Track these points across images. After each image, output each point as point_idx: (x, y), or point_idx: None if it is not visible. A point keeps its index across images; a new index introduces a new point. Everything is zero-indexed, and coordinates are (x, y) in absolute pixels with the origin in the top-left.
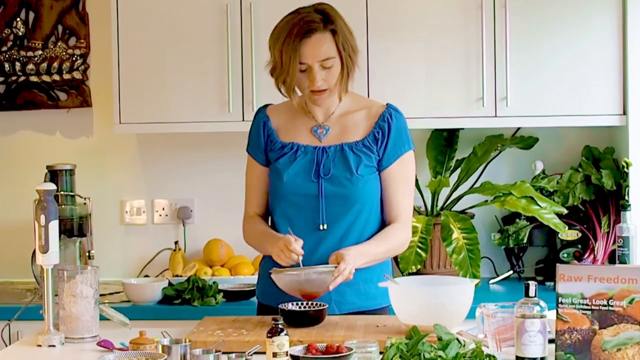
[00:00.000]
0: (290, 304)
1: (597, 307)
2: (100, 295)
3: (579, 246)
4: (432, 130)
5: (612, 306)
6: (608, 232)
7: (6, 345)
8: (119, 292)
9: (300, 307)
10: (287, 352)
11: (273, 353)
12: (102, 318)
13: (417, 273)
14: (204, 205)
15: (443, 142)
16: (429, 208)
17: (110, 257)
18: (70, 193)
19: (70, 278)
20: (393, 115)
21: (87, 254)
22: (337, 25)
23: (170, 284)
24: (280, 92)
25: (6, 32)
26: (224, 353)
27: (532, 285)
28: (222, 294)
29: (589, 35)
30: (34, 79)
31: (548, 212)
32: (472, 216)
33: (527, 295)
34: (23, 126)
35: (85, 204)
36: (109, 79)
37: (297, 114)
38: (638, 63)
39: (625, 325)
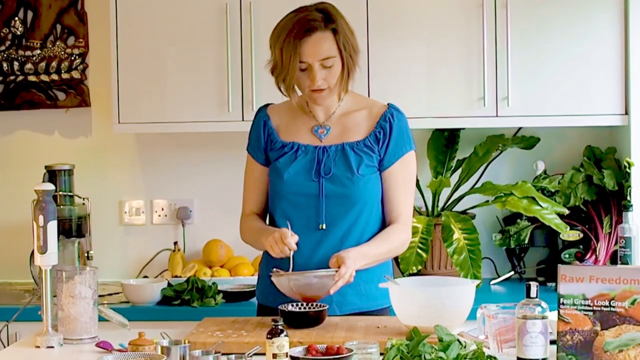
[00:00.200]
0: (290, 305)
1: (599, 308)
2: (99, 296)
3: (581, 247)
4: (432, 130)
5: (614, 307)
6: (610, 233)
7: (4, 347)
8: (117, 293)
9: (300, 308)
10: (287, 353)
11: (273, 354)
12: (101, 319)
13: (418, 274)
14: (204, 205)
15: (444, 142)
16: (430, 208)
17: (109, 257)
18: (69, 193)
19: (69, 279)
20: (394, 115)
21: (86, 254)
22: (338, 25)
23: (169, 284)
24: (280, 91)
25: (4, 31)
26: (223, 354)
27: (534, 286)
28: (221, 294)
29: (591, 35)
30: (32, 78)
31: (549, 213)
32: (473, 216)
33: (528, 296)
34: (21, 126)
35: (84, 204)
36: (107, 79)
37: (297, 114)
38: None
39: (627, 326)
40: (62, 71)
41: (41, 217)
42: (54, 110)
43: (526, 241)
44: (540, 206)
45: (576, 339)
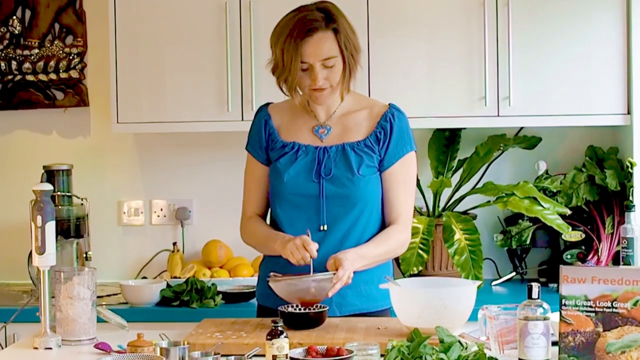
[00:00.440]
0: (290, 306)
1: (601, 309)
2: (98, 297)
3: (583, 247)
4: (433, 130)
5: (616, 308)
6: (612, 233)
7: (2, 348)
8: (116, 294)
9: (300, 310)
10: (287, 354)
11: (273, 356)
12: (100, 320)
13: (419, 274)
14: (203, 205)
15: (445, 141)
16: (431, 209)
17: (108, 258)
18: (67, 193)
19: (67, 280)
20: (395, 115)
21: (84, 255)
22: (340, 24)
23: (168, 285)
24: (282, 90)
25: (2, 30)
26: (223, 356)
27: (535, 287)
28: (221, 295)
29: (593, 34)
30: (30, 78)
31: (551, 213)
32: (475, 217)
33: (530, 297)
34: (19, 126)
35: (82, 204)
36: (106, 78)
37: (298, 113)
38: None
39: (629, 327)
40: (61, 70)
41: (39, 218)
42: (52, 110)
43: (528, 242)
44: (542, 206)
45: (578, 340)
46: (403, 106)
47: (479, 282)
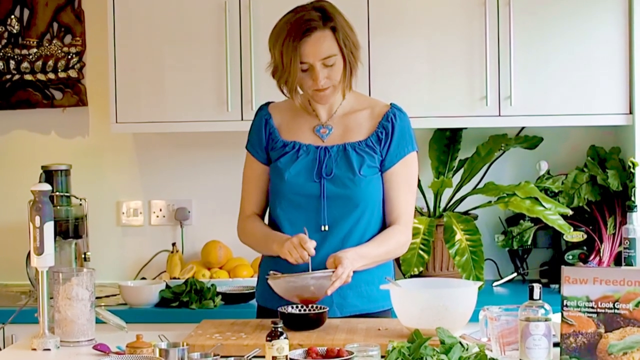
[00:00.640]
0: (290, 307)
1: (603, 310)
2: (97, 298)
3: (585, 248)
4: (434, 130)
5: (618, 309)
6: (614, 234)
7: (0, 349)
8: (115, 295)
9: (300, 310)
10: (286, 356)
11: (272, 357)
12: (98, 321)
13: (420, 275)
14: (202, 206)
15: (446, 141)
16: (432, 209)
17: (107, 259)
18: (66, 194)
19: (66, 280)
20: (397, 116)
21: (83, 255)
22: (337, 22)
23: (167, 286)
24: (283, 92)
25: (0, 29)
26: (222, 357)
27: (537, 287)
28: (220, 296)
29: (595, 33)
30: (28, 77)
31: (553, 213)
32: (476, 217)
33: (531, 297)
34: (18, 125)
35: (81, 204)
36: (105, 78)
37: (299, 113)
38: None
39: (631, 328)
40: (59, 70)
41: (38, 218)
42: (51, 109)
43: (529, 242)
44: (544, 207)
45: (580, 341)
46: (404, 106)
47: (480, 283)
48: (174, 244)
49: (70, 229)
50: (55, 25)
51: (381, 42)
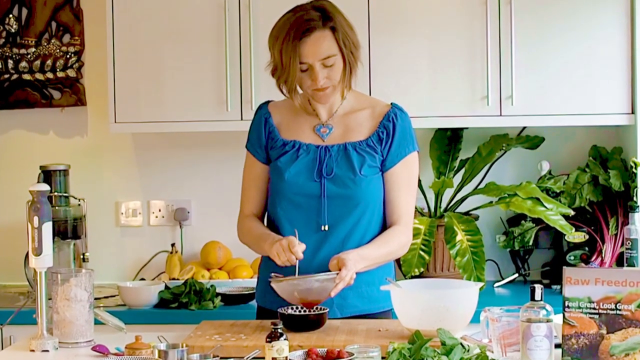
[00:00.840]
0: (290, 308)
1: (605, 311)
2: (95, 298)
3: (586, 248)
4: (435, 130)
5: (620, 310)
6: (616, 234)
7: None
8: (114, 296)
9: (300, 311)
10: (286, 357)
11: (272, 358)
12: (97, 322)
13: (420, 276)
14: (202, 206)
15: (447, 141)
16: (432, 209)
17: (105, 259)
18: (64, 194)
19: (64, 281)
20: (398, 115)
21: (82, 256)
22: (337, 22)
23: (166, 287)
24: (282, 92)
25: None
26: (222, 358)
27: (538, 288)
28: (220, 297)
29: (597, 32)
30: (27, 77)
31: (554, 214)
32: (477, 218)
33: (532, 298)
34: (16, 125)
35: (79, 205)
36: (104, 77)
37: (299, 112)
38: None
39: (633, 329)
40: (58, 69)
41: (36, 219)
42: (49, 109)
43: (530, 243)
44: (545, 207)
45: (581, 342)
46: (404, 105)
47: (481, 284)
48: (173, 245)
49: (68, 230)
50: (54, 24)
51: (382, 42)
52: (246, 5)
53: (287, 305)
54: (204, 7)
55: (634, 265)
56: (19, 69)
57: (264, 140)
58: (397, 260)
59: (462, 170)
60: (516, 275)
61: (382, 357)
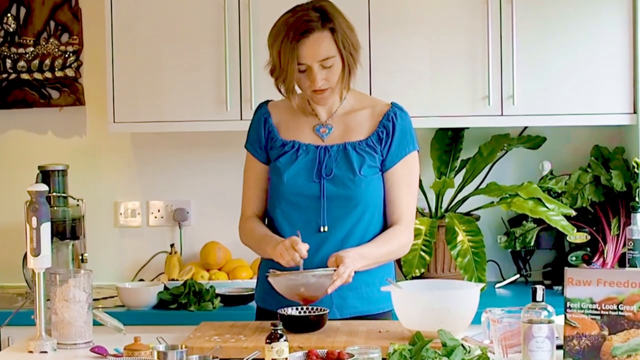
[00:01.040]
0: (289, 309)
1: (607, 312)
2: (94, 299)
3: (588, 249)
4: (436, 130)
5: (622, 311)
6: (618, 235)
7: None
8: (113, 297)
9: (300, 312)
10: (286, 358)
11: None
12: (96, 323)
13: (421, 277)
14: (201, 206)
15: (447, 141)
16: (433, 210)
17: (104, 260)
18: (63, 194)
19: (63, 282)
20: (398, 115)
21: (80, 257)
22: (336, 23)
23: (165, 288)
24: (280, 92)
25: None
26: None
27: (540, 289)
28: (219, 298)
29: (599, 32)
30: (25, 76)
31: (556, 214)
32: (478, 218)
33: (534, 299)
34: (14, 125)
35: (78, 205)
36: (102, 77)
37: (299, 112)
38: None
39: (635, 330)
40: (56, 69)
41: (34, 219)
42: (48, 109)
43: (532, 243)
44: (547, 207)
45: (583, 343)
46: (405, 105)
47: (482, 285)
48: (172, 245)
49: (67, 230)
50: (52, 23)
51: (382, 41)
52: (246, 5)
53: (287, 306)
54: (204, 6)
55: (636, 266)
56: (17, 68)
57: (264, 141)
58: (398, 261)
59: (463, 171)
60: (517, 276)
61: (383, 359)
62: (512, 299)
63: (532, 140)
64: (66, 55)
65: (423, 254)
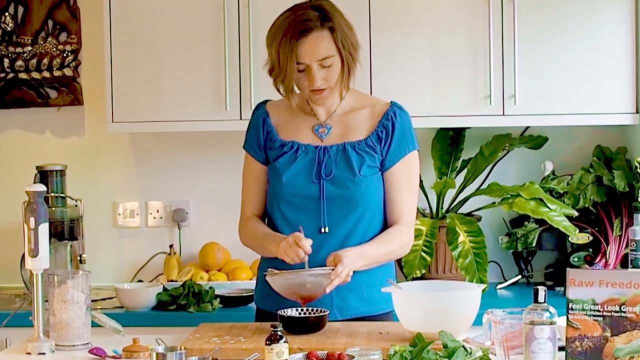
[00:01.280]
0: (289, 310)
1: (609, 314)
2: (92, 300)
3: (590, 250)
4: (437, 130)
5: (624, 312)
6: (620, 235)
7: None
8: (111, 298)
9: (300, 314)
10: None
11: None
12: (94, 325)
13: (422, 278)
14: (200, 207)
15: (449, 141)
16: (434, 210)
17: (103, 261)
18: (61, 194)
19: (61, 283)
20: (397, 114)
21: (79, 258)
22: (335, 22)
23: (164, 289)
24: (279, 92)
25: None
26: None
27: (542, 290)
28: (218, 299)
29: (601, 31)
30: (23, 76)
31: (558, 215)
32: (479, 219)
33: (536, 301)
34: (12, 125)
35: (76, 206)
36: (101, 76)
37: (298, 111)
38: None
39: (638, 332)
40: (54, 68)
41: (32, 219)
42: (46, 108)
43: (534, 244)
44: (549, 208)
45: (585, 345)
46: (406, 105)
47: (483, 286)
48: (171, 246)
49: (65, 231)
50: (50, 22)
51: (383, 41)
52: (245, 3)
53: (286, 307)
54: (203, 4)
55: (638, 267)
56: (15, 67)
57: (262, 141)
58: (399, 262)
59: (465, 171)
60: (519, 276)
61: None
62: (513, 300)
63: (534, 140)
64: (64, 55)
65: (424, 254)
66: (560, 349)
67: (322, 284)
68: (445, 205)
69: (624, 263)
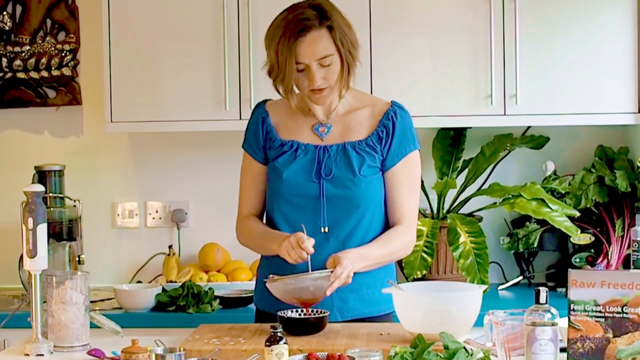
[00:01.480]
0: (289, 311)
1: (611, 315)
2: (91, 301)
3: (592, 250)
4: (438, 129)
5: (626, 313)
6: (622, 236)
7: None
8: (110, 299)
9: (300, 315)
10: None
11: None
12: (93, 326)
13: (423, 279)
14: (199, 207)
15: (450, 141)
16: (435, 211)
17: (101, 262)
18: (60, 195)
19: (60, 284)
20: (398, 114)
21: (77, 258)
22: (334, 21)
23: (163, 290)
24: (279, 92)
25: None
26: None
27: (543, 291)
28: (218, 300)
29: (602, 30)
30: (21, 75)
31: (559, 215)
32: (480, 219)
33: (537, 302)
34: (10, 125)
35: (75, 206)
36: (99, 76)
37: (297, 111)
38: None
39: None
40: (52, 68)
41: (30, 220)
42: (44, 108)
43: (535, 245)
44: (550, 208)
45: (587, 346)
46: (406, 104)
47: (484, 287)
48: (170, 247)
49: (64, 231)
50: (49, 22)
51: (383, 40)
52: (245, 3)
53: (286, 308)
54: (202, 4)
55: None
56: (13, 67)
57: (262, 141)
58: (399, 263)
59: (466, 171)
60: (520, 277)
61: None
62: (515, 301)
63: (536, 140)
64: (63, 54)
65: (425, 255)
66: (562, 350)
67: (323, 287)
68: (446, 206)
69: (626, 264)
